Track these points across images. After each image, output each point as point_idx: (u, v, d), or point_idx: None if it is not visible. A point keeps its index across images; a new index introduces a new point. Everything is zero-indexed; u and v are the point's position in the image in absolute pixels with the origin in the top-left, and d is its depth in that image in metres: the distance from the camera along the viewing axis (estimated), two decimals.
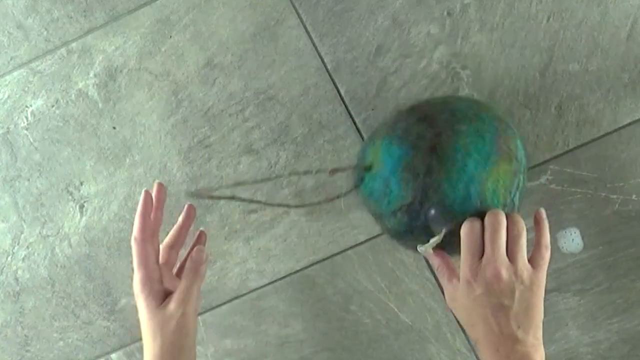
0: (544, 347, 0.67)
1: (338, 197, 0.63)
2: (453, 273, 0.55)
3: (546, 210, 0.64)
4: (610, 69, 0.63)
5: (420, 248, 0.55)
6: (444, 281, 0.55)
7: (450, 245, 0.54)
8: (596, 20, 0.62)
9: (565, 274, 0.66)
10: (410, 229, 0.55)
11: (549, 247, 0.54)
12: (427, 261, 0.67)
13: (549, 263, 0.65)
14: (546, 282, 0.65)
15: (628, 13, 0.62)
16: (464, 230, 0.52)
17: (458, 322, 0.67)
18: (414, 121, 0.55)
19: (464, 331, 0.67)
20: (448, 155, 0.52)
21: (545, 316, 0.67)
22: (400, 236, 0.57)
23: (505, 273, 0.50)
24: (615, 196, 0.64)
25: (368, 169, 0.56)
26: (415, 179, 0.53)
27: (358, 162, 0.59)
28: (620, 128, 0.63)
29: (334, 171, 0.64)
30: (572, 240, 0.65)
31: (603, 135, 0.63)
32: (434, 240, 0.53)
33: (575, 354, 0.66)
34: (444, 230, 0.53)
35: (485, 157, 0.53)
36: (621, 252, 0.65)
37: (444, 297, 0.56)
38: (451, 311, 0.67)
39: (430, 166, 0.52)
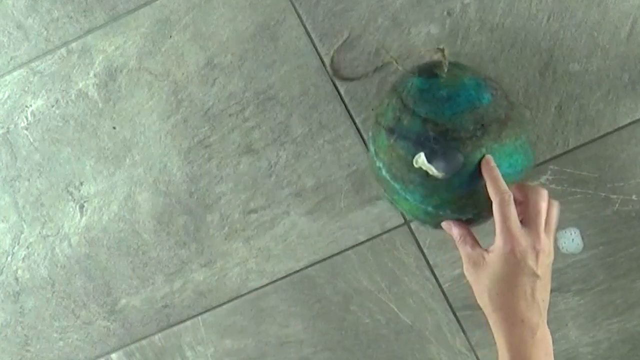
0: None
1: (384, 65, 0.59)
2: (477, 242, 0.55)
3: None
4: (610, 69, 0.63)
5: (418, 157, 0.54)
6: (466, 249, 0.55)
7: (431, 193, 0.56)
8: (596, 20, 0.62)
9: (565, 274, 0.66)
10: (421, 144, 0.54)
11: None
12: (427, 261, 0.67)
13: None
14: None
15: (628, 13, 0.62)
16: (499, 201, 0.52)
17: (459, 322, 0.67)
18: (501, 91, 0.56)
19: (464, 331, 0.67)
20: (506, 137, 0.54)
21: None
22: (404, 137, 0.55)
23: (547, 245, 0.53)
24: (615, 196, 0.64)
25: (450, 82, 0.55)
26: (474, 124, 0.54)
27: (427, 65, 0.58)
28: (620, 128, 0.63)
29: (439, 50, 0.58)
30: (572, 240, 0.65)
31: (603, 135, 0.63)
32: (432, 170, 0.53)
33: (575, 354, 0.66)
34: (442, 174, 0.53)
35: (513, 171, 0.55)
36: (621, 252, 0.65)
37: (464, 264, 0.55)
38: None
39: (490, 129, 0.54)
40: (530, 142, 0.58)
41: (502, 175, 0.54)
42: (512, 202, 0.52)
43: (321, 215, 0.68)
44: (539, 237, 0.52)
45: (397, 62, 0.59)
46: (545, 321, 0.52)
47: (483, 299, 0.54)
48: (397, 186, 0.57)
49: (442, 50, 0.56)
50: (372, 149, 0.59)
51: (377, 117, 0.59)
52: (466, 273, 0.55)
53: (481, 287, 0.54)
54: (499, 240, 0.52)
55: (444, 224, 0.57)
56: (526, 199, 0.54)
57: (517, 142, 0.55)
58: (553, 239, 0.55)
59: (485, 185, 0.53)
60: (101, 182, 0.71)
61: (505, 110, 0.55)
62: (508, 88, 0.63)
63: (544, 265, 0.52)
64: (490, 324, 0.53)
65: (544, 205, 0.53)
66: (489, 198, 0.53)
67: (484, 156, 0.53)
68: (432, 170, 0.54)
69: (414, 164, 0.54)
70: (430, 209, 0.56)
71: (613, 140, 0.63)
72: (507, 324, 0.51)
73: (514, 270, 0.51)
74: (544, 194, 0.54)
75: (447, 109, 0.54)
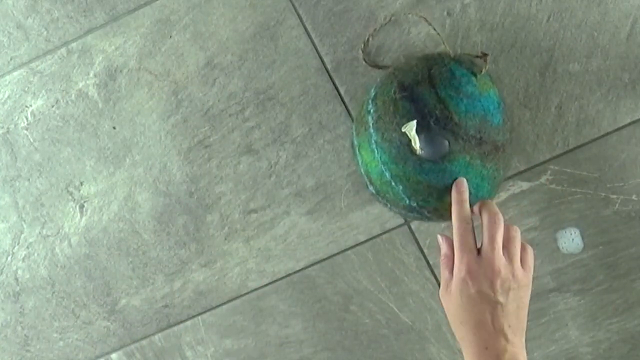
0: (544, 347, 0.67)
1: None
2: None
3: (546, 210, 0.64)
4: (610, 69, 0.63)
5: (411, 124, 0.54)
6: (445, 272, 0.55)
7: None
8: (596, 20, 0.62)
9: (565, 274, 0.66)
10: (422, 115, 0.54)
11: (532, 248, 0.56)
12: (427, 261, 0.67)
13: (549, 264, 0.66)
14: (546, 282, 0.66)
15: (628, 13, 0.62)
16: (458, 227, 0.53)
17: None
18: (509, 124, 0.59)
19: None
20: (489, 162, 0.56)
21: (545, 316, 0.67)
22: (411, 99, 0.56)
23: (504, 271, 0.52)
24: (615, 196, 0.64)
25: (480, 86, 0.56)
26: (475, 132, 0.54)
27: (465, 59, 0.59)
28: (620, 128, 0.63)
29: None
30: (572, 240, 0.65)
31: (603, 135, 0.63)
32: (415, 142, 0.54)
33: (575, 354, 0.66)
34: (420, 152, 0.54)
35: (474, 194, 0.56)
36: (621, 252, 0.65)
37: (440, 287, 0.56)
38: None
39: (483, 146, 0.55)
40: (499, 183, 0.59)
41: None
42: (471, 230, 0.52)
43: (321, 215, 0.68)
44: (493, 264, 0.51)
45: (444, 42, 0.61)
46: (519, 341, 0.52)
47: (452, 326, 0.55)
48: (373, 135, 0.57)
49: (486, 56, 0.58)
50: (372, 92, 0.59)
51: (395, 70, 0.59)
52: (440, 297, 0.56)
53: (449, 314, 0.55)
54: (455, 268, 0.53)
55: (438, 237, 0.57)
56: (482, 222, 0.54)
57: (494, 173, 0.56)
58: (530, 258, 0.55)
59: (444, 191, 0.54)
60: (101, 182, 0.71)
61: (503, 140, 0.56)
62: (508, 88, 0.64)
63: (506, 290, 0.51)
64: (461, 347, 0.54)
65: (497, 226, 0.53)
66: (442, 206, 0.55)
67: (456, 178, 0.54)
68: (415, 142, 0.54)
69: (403, 127, 0.55)
70: (387, 174, 0.56)
71: (613, 140, 0.63)
72: (472, 351, 0.52)
73: (469, 299, 0.52)
74: (499, 219, 0.53)
75: (465, 104, 0.55)
